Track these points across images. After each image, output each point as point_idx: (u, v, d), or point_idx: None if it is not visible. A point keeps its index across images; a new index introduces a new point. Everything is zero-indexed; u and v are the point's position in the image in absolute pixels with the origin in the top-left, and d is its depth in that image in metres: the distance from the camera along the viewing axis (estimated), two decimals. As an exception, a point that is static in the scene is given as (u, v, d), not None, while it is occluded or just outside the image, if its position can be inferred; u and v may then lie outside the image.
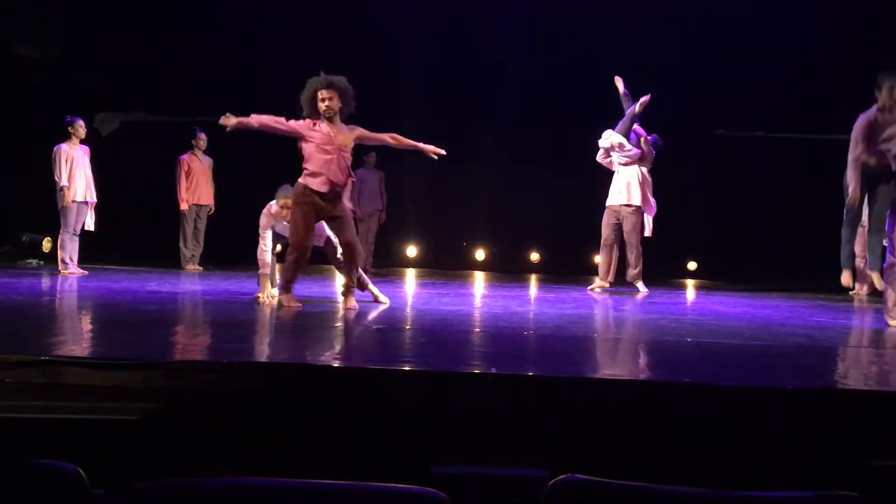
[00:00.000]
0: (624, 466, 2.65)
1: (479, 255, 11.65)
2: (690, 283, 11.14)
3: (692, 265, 12.16)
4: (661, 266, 11.95)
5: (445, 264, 11.08)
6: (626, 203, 8.28)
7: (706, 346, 5.00)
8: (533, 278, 10.47)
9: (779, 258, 11.09)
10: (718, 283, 10.55)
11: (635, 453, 3.09)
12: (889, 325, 5.89)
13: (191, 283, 8.00)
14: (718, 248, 11.74)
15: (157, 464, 2.90)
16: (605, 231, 8.40)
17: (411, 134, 6.30)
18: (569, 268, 11.47)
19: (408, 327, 5.42)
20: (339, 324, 5.36)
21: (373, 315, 5.90)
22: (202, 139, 9.89)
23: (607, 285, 8.45)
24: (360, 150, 10.80)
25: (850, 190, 6.04)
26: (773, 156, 11.84)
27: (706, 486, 1.53)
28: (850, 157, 6.14)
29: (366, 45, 11.17)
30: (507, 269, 11.23)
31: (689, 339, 5.26)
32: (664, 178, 11.65)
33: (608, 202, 8.39)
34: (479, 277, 10.20)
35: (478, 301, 7.57)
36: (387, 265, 10.93)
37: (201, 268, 9.69)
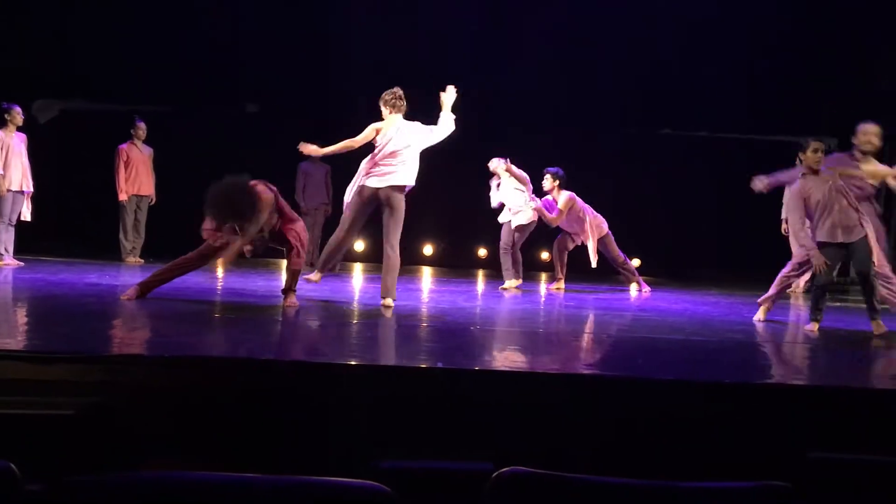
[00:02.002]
0: (567, 459, 2.69)
1: (427, 250, 11.65)
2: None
3: (636, 262, 12.35)
4: (605, 262, 12.15)
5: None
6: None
7: (648, 341, 5.09)
8: (480, 274, 10.51)
9: (720, 256, 11.35)
10: (661, 280, 10.75)
11: (578, 446, 3.12)
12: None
13: (131, 275, 7.82)
14: (661, 246, 11.95)
15: (94, 458, 2.83)
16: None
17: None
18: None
19: (354, 322, 5.39)
20: (283, 319, 5.30)
21: (317, 310, 5.86)
22: (142, 128, 9.66)
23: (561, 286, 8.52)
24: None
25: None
26: (716, 156, 12.11)
27: (646, 477, 1.56)
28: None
29: (310, 32, 11.09)
30: (454, 265, 11.26)
31: (631, 335, 5.35)
32: (609, 176, 11.86)
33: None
34: (427, 273, 10.20)
35: (425, 296, 7.57)
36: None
37: (142, 260, 9.48)
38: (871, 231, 5.73)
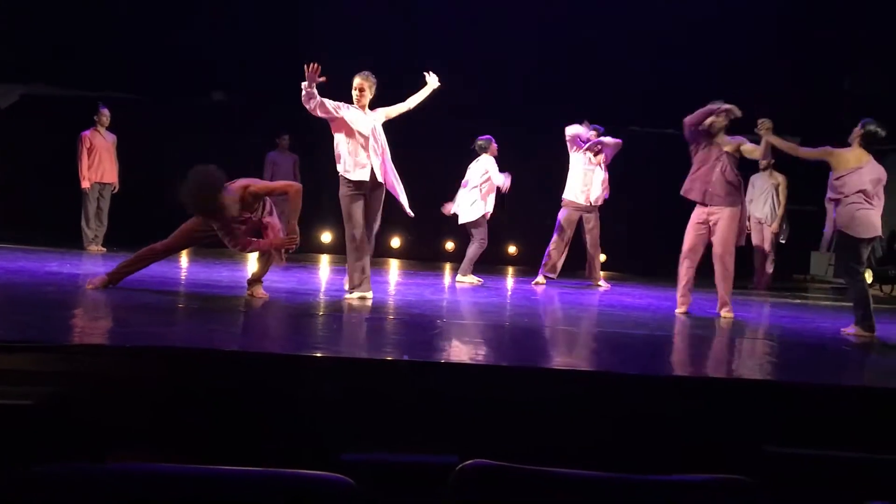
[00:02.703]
0: (531, 452, 2.71)
1: (395, 242, 11.64)
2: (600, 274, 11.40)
3: (601, 257, 12.45)
4: (570, 258, 12.23)
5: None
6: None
7: (613, 336, 5.15)
8: (447, 267, 10.53)
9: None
10: (626, 276, 10.86)
11: (542, 439, 3.15)
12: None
13: (93, 264, 7.71)
14: (627, 241, 12.07)
15: (55, 450, 2.79)
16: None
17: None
18: (483, 258, 11.57)
19: (320, 314, 5.37)
20: (248, 310, 5.27)
21: (283, 302, 5.83)
22: (105, 115, 9.50)
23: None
24: (274, 132, 10.68)
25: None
26: (681, 152, 12.23)
27: (607, 470, 1.58)
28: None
29: (277, 18, 11.02)
30: (421, 258, 11.26)
31: (596, 329, 5.41)
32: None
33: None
34: (394, 265, 10.20)
35: (392, 289, 7.57)
36: (300, 251, 10.77)
37: (105, 249, 9.35)
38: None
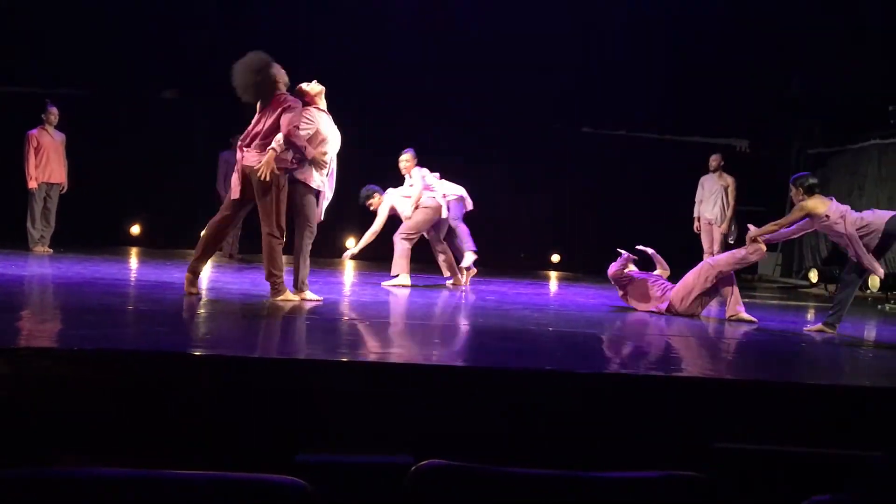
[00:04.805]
0: (486, 451, 2.72)
1: (350, 243, 11.58)
2: (554, 274, 11.52)
3: (555, 258, 12.57)
4: (527, 253, 12.35)
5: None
6: None
7: (567, 335, 5.20)
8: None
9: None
10: (580, 275, 10.97)
11: (497, 438, 3.17)
12: (730, 318, 6.35)
13: (39, 265, 7.53)
14: (581, 241, 12.20)
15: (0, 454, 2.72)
16: None
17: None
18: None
19: (272, 316, 5.32)
20: (198, 312, 5.20)
21: (233, 304, 5.76)
22: (53, 113, 9.27)
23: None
24: (227, 131, 10.54)
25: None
26: (634, 154, 12.43)
27: (560, 468, 1.60)
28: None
29: (228, 14, 10.90)
30: (377, 258, 11.22)
31: (550, 329, 5.45)
32: (530, 174, 12.03)
33: None
34: (349, 266, 10.14)
35: (347, 290, 7.54)
36: (248, 252, 10.66)
37: (51, 250, 9.13)
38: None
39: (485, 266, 8.87)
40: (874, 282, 9.68)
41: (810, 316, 7.85)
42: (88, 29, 10.47)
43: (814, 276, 11.32)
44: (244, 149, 5.61)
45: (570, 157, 12.42)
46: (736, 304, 6.45)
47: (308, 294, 5.77)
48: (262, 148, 5.48)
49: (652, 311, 6.60)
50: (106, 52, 10.62)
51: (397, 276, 7.70)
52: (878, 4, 10.64)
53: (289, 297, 5.63)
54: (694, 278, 6.50)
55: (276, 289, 5.64)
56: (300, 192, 5.79)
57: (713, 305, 6.86)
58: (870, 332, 6.80)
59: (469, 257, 7.94)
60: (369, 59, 11.02)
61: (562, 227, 12.39)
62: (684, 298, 6.47)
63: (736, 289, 6.50)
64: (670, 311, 6.50)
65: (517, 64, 11.33)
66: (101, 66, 10.75)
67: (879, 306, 9.51)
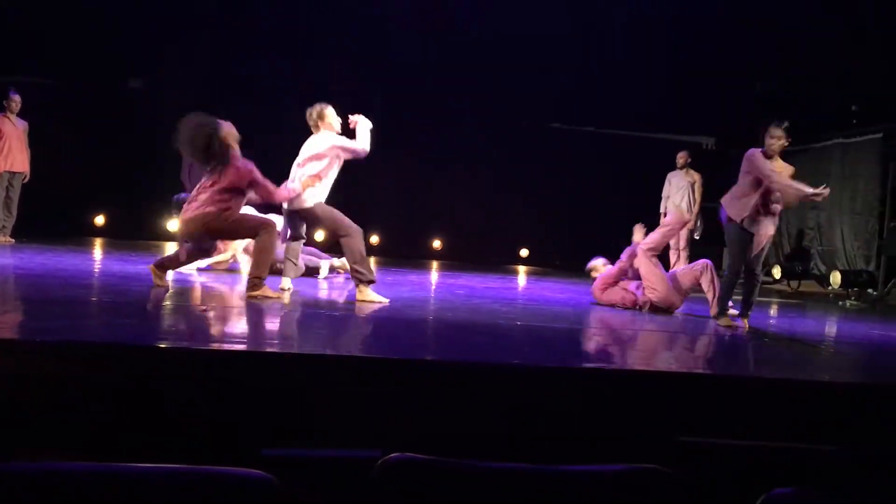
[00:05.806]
0: (454, 445, 2.73)
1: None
2: (522, 269, 11.57)
3: (524, 252, 12.63)
4: (494, 253, 12.37)
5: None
6: None
7: (535, 329, 5.22)
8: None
9: (606, 247, 11.74)
10: (548, 270, 11.03)
11: (465, 432, 3.18)
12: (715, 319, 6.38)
13: (0, 255, 7.39)
14: (549, 236, 12.27)
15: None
16: None
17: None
18: (407, 252, 11.59)
19: (242, 309, 5.28)
20: (164, 304, 5.14)
21: (201, 296, 5.70)
22: (16, 101, 9.09)
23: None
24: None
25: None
26: (603, 150, 12.52)
27: (525, 461, 1.61)
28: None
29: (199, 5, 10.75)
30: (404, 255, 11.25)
31: (518, 323, 5.47)
32: (501, 169, 12.06)
33: None
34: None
35: (322, 285, 7.50)
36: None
37: (13, 240, 8.97)
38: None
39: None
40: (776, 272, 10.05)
41: (773, 311, 7.98)
42: (52, 15, 10.27)
43: (777, 272, 11.52)
44: (192, 201, 5.56)
45: (537, 151, 12.47)
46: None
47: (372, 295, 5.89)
48: (210, 203, 5.44)
49: (629, 307, 6.72)
50: (71, 40, 10.43)
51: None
52: (841, 4, 10.81)
53: (268, 293, 5.56)
54: (645, 270, 6.66)
55: (254, 285, 5.56)
56: (314, 212, 5.94)
57: (698, 303, 6.96)
58: (830, 329, 6.94)
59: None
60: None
61: (528, 222, 12.44)
62: (656, 289, 6.59)
63: (720, 287, 6.47)
64: (649, 306, 6.62)
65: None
66: (65, 54, 10.56)
67: (840, 303, 9.69)
